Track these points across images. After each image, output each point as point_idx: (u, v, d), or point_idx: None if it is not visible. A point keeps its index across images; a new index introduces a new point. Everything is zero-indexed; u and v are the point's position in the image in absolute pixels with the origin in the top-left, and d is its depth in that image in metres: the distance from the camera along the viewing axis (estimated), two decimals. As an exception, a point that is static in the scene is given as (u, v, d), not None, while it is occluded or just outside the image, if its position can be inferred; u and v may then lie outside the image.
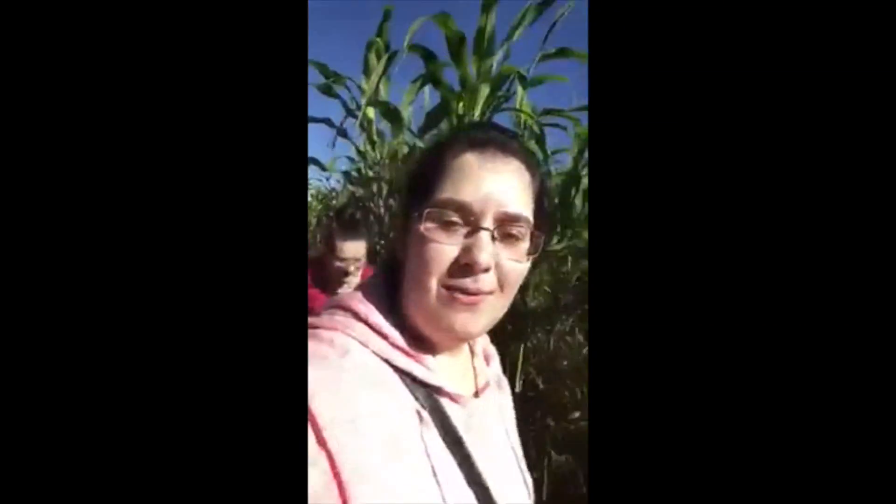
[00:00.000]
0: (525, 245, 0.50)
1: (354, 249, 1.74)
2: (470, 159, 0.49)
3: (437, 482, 0.44)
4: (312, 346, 0.48)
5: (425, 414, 0.48)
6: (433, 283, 0.48)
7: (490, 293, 0.49)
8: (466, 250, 0.47)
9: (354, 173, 3.42)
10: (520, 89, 2.76)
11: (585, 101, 2.88)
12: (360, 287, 0.56)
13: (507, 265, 0.48)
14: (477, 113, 2.86)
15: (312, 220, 3.76)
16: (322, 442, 0.41)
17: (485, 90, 2.83)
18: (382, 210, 2.90)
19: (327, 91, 3.07)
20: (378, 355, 0.49)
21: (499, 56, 2.84)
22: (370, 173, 3.13)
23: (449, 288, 0.48)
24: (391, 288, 0.54)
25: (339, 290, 1.76)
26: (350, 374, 0.46)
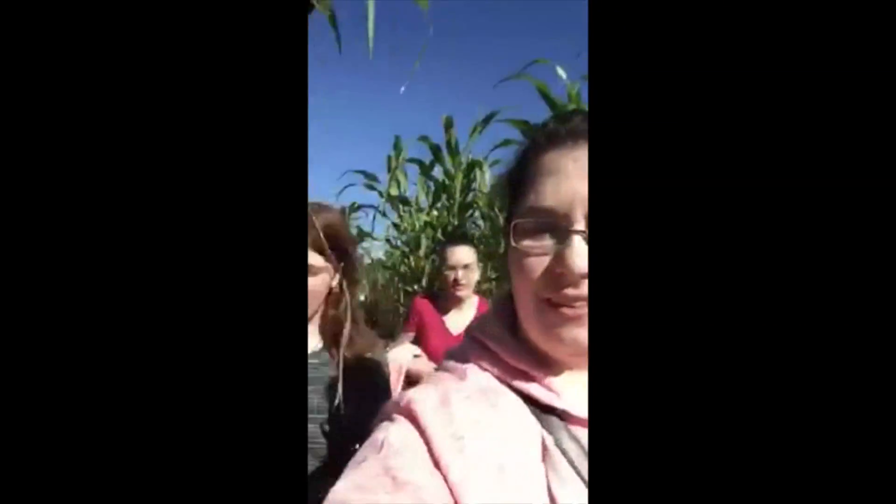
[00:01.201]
0: None
1: (461, 255, 1.87)
2: (551, 158, 0.45)
3: None
4: (436, 374, 0.48)
5: (551, 443, 0.42)
6: (533, 297, 0.44)
7: None
8: (559, 258, 0.42)
9: (393, 239, 5.05)
10: (478, 172, 4.28)
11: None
12: (488, 312, 0.54)
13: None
14: (458, 191, 4.38)
15: (384, 278, 5.24)
16: (434, 454, 0.39)
17: (460, 176, 4.37)
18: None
19: (370, 187, 4.80)
20: (499, 378, 0.46)
21: (466, 151, 4.39)
22: (402, 239, 4.74)
23: (551, 301, 0.44)
24: (514, 310, 0.49)
25: (456, 296, 1.92)
26: (461, 395, 0.43)
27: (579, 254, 0.42)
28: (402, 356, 1.66)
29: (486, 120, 4.23)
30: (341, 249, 1.03)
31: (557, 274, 0.43)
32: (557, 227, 0.43)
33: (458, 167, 4.40)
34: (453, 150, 4.40)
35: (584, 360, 0.45)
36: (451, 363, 0.49)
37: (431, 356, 1.78)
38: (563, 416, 0.45)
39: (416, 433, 0.40)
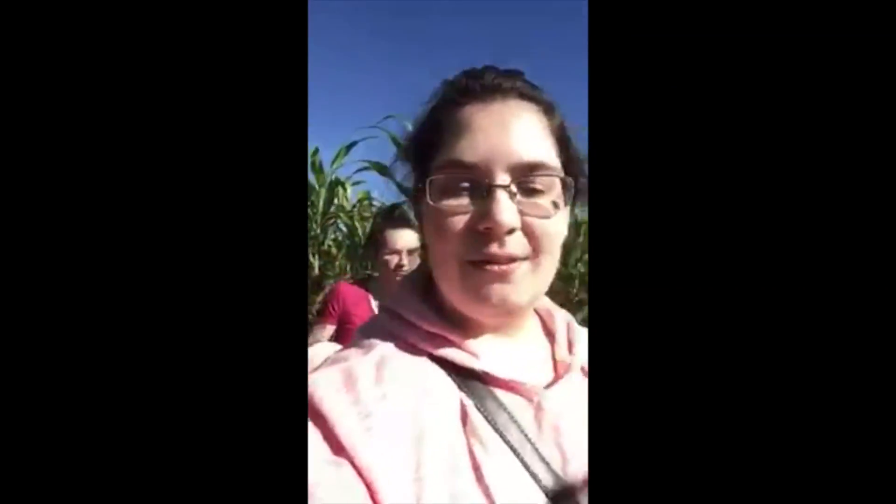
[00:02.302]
0: (553, 197, 0.44)
1: (407, 238, 1.66)
2: (467, 112, 0.44)
3: (485, 484, 0.38)
4: (342, 351, 0.46)
5: (471, 407, 0.42)
6: (455, 257, 0.43)
7: (524, 258, 0.43)
8: (482, 213, 0.42)
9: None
10: (339, 190, 5.10)
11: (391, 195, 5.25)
12: (400, 284, 0.53)
13: (535, 223, 0.42)
14: (321, 204, 5.13)
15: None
16: (337, 442, 0.37)
17: (323, 192, 5.13)
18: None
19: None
20: (413, 346, 0.45)
21: (330, 172, 5.18)
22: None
23: (475, 261, 0.43)
24: (429, 276, 0.49)
25: (396, 283, 1.66)
26: (366, 368, 0.42)
27: (505, 208, 0.41)
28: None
29: (349, 147, 5.08)
30: None
31: (482, 230, 0.42)
32: (478, 182, 0.42)
33: (321, 184, 5.15)
34: (318, 170, 5.15)
35: (507, 322, 0.47)
36: (359, 338, 0.48)
37: None
38: (484, 378, 0.44)
39: (315, 430, 0.38)
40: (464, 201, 0.43)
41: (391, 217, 1.75)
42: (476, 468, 0.39)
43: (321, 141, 5.62)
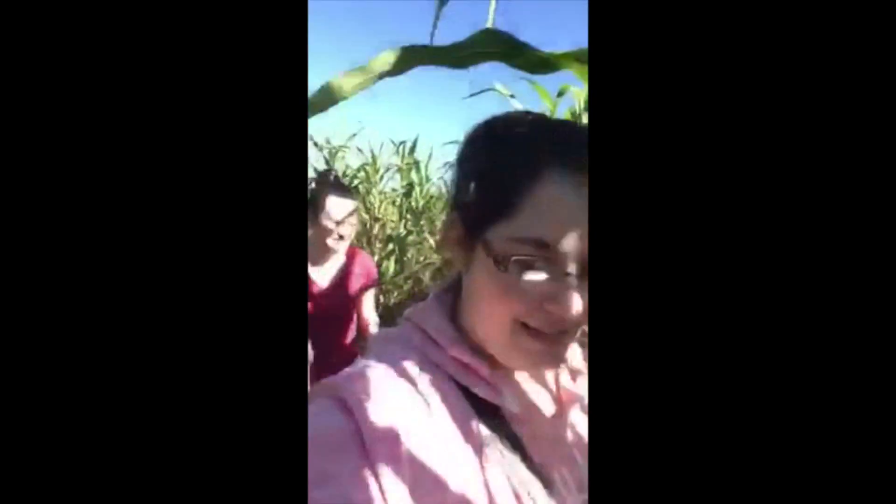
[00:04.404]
0: None
1: (344, 209, 1.68)
2: (562, 186, 0.42)
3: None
4: (369, 361, 0.47)
5: (489, 439, 0.44)
6: (510, 320, 0.44)
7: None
8: (554, 299, 0.42)
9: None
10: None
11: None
12: (428, 300, 0.53)
13: (585, 300, 0.43)
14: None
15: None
16: (365, 449, 0.39)
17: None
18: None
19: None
20: (438, 368, 0.47)
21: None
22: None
23: (528, 325, 0.44)
24: (456, 295, 0.51)
25: (326, 258, 1.75)
26: (397, 386, 0.44)
27: (577, 296, 0.42)
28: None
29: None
30: None
31: (548, 310, 0.43)
32: (552, 262, 0.42)
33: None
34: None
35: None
36: (390, 348, 0.49)
37: None
38: (503, 413, 0.47)
39: (347, 423, 0.40)
40: (535, 274, 0.43)
41: (332, 183, 1.73)
42: (490, 497, 0.42)
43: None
